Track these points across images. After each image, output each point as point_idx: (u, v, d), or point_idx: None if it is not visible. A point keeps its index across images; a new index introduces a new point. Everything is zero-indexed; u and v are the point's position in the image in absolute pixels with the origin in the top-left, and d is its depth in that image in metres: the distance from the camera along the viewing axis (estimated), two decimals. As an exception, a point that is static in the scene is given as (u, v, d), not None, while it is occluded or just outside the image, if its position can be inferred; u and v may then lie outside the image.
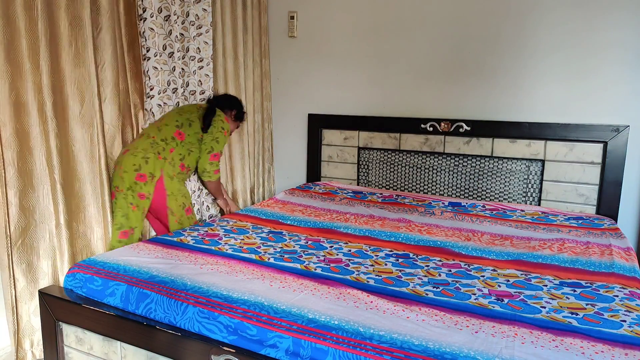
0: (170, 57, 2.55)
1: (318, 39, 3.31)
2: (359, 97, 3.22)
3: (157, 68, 2.47)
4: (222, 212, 3.00)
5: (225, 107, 2.68)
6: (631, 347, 1.23)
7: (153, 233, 2.52)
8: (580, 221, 2.40)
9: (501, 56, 2.78)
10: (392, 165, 3.13)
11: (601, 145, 2.57)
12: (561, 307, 1.47)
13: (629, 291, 1.58)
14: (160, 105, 2.52)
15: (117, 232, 2.25)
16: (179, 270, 1.67)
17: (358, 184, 3.26)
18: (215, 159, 2.52)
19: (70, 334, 1.67)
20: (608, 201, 2.57)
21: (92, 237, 2.21)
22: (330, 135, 3.31)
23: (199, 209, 2.83)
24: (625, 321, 1.37)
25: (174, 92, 2.61)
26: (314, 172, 3.38)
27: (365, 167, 3.22)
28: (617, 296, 1.55)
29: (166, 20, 2.50)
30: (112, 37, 2.23)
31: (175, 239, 2.03)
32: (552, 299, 1.52)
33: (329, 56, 3.28)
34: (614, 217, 2.55)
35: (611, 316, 1.40)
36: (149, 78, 2.46)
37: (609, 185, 2.56)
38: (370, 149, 3.17)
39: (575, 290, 1.59)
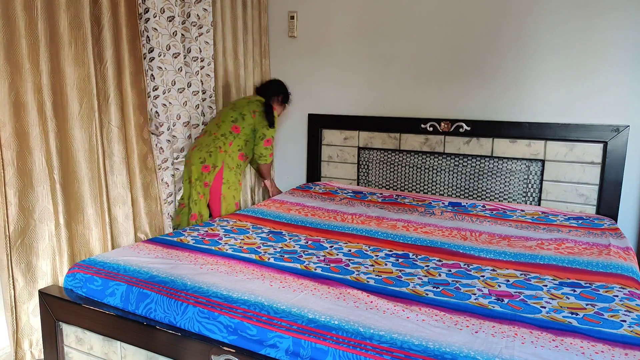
0: (175, 57, 2.55)
1: (318, 38, 3.30)
2: (359, 97, 3.22)
3: (161, 68, 2.47)
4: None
5: (272, 94, 2.90)
6: (631, 347, 1.22)
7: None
8: (580, 221, 2.40)
9: (501, 56, 2.78)
10: (392, 165, 3.13)
11: (601, 145, 2.57)
12: (561, 307, 1.47)
13: (629, 291, 1.58)
14: (165, 105, 2.52)
15: (188, 214, 2.65)
16: (179, 270, 1.67)
17: (358, 184, 3.25)
18: (268, 144, 2.80)
19: (70, 334, 1.67)
20: (608, 201, 2.57)
21: (91, 237, 2.21)
22: (330, 135, 3.30)
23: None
24: (625, 321, 1.37)
25: (180, 92, 2.61)
26: (314, 172, 3.38)
27: (365, 167, 3.22)
28: (617, 296, 1.55)
29: (170, 21, 2.50)
30: (114, 36, 2.23)
31: (175, 239, 2.03)
32: (552, 299, 1.52)
33: (329, 56, 3.28)
34: (614, 217, 2.55)
35: (611, 316, 1.40)
36: (153, 78, 2.46)
37: (609, 185, 2.56)
38: (370, 149, 3.17)
39: (575, 290, 1.59)
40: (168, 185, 2.61)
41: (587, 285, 1.64)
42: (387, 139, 3.10)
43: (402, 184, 3.11)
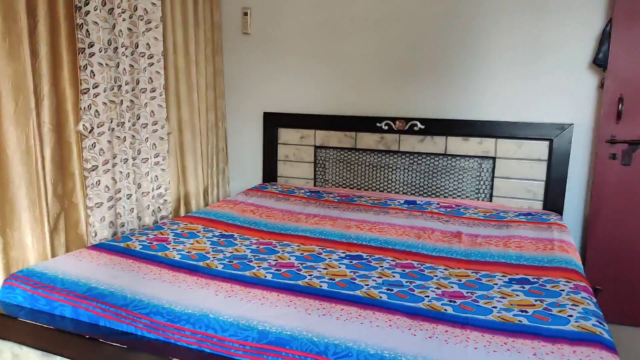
0: (115, 52, 2.42)
1: (273, 36, 3.24)
2: (315, 96, 3.18)
3: (102, 64, 2.34)
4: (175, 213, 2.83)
5: None
6: (579, 344, 1.25)
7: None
8: (529, 217, 2.47)
9: (454, 56, 2.82)
10: (348, 164, 3.11)
11: (547, 142, 2.65)
12: (511, 305, 1.49)
13: (574, 284, 1.63)
14: (106, 103, 2.39)
15: None
16: (119, 281, 1.58)
17: (315, 183, 3.22)
18: None
19: (6, 350, 1.55)
20: (554, 196, 2.66)
21: (27, 244, 2.06)
22: (286, 134, 3.25)
23: (138, 215, 2.69)
24: (572, 316, 1.40)
25: (119, 89, 2.48)
26: (270, 171, 3.32)
27: (322, 166, 3.19)
28: (563, 290, 1.59)
29: (110, 14, 2.37)
30: (50, 29, 2.09)
31: (122, 245, 1.93)
32: (503, 298, 1.54)
33: (284, 54, 3.22)
34: (560, 212, 2.64)
35: (559, 312, 1.43)
36: (94, 75, 2.32)
37: (555, 181, 2.65)
38: (327, 147, 3.15)
39: (524, 287, 1.62)
40: (109, 189, 2.44)
41: (535, 280, 1.68)
42: (344, 138, 3.08)
43: (359, 183, 3.11)
